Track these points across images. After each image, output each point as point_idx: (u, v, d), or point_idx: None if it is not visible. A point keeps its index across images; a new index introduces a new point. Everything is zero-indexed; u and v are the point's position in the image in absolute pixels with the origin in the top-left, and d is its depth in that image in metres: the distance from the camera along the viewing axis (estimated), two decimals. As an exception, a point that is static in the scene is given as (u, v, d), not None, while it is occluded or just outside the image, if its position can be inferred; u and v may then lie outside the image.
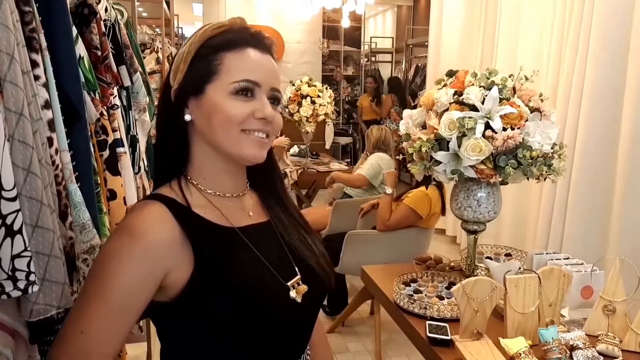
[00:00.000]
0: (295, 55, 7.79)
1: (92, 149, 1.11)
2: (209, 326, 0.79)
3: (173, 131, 0.84)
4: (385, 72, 8.95)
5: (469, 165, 1.63)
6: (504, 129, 1.59)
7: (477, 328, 1.48)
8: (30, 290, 0.70)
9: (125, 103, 1.91)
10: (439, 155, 1.65)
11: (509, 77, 1.68)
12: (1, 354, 0.72)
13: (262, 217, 0.92)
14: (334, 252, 2.98)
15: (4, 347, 0.73)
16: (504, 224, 2.90)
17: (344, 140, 7.91)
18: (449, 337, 1.46)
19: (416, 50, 7.96)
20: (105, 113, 1.58)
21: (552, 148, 1.64)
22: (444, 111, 1.67)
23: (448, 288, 1.81)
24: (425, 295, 1.75)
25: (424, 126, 1.79)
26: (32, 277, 0.70)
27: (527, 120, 1.62)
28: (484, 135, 1.60)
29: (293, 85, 4.59)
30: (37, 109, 0.77)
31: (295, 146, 5.07)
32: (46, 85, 0.81)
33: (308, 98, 4.48)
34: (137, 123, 2.09)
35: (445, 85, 1.76)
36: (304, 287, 0.85)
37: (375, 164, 3.61)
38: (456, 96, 1.69)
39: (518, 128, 1.60)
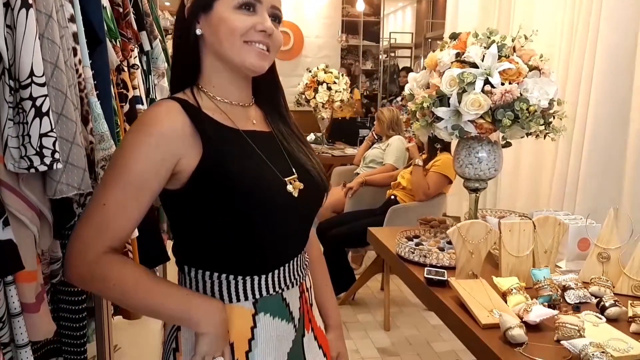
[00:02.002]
0: (314, 49, 7.89)
1: (111, 83, 1.21)
2: (213, 214, 0.88)
3: (186, 45, 0.94)
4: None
5: (469, 121, 1.70)
6: (502, 85, 1.65)
7: (472, 270, 1.54)
8: (55, 167, 0.80)
9: (145, 68, 2.03)
10: (440, 111, 1.73)
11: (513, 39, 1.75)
12: (28, 228, 0.83)
13: (265, 128, 1.01)
14: (356, 229, 3.00)
15: (30, 222, 0.83)
16: (519, 190, 2.96)
17: (361, 132, 7.99)
18: (445, 278, 1.53)
19: (435, 44, 8.01)
20: (125, 69, 1.69)
21: (550, 104, 1.70)
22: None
23: (449, 243, 1.88)
24: (426, 247, 1.83)
25: (427, 88, 1.87)
26: (56, 156, 0.80)
27: (525, 77, 1.68)
28: (483, 91, 1.67)
29: (310, 72, 4.69)
30: (64, 18, 0.88)
31: (312, 134, 5.17)
32: (72, 2, 0.92)
33: (324, 84, 4.58)
34: (156, 88, 2.20)
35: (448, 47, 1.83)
36: (299, 184, 0.94)
37: (400, 147, 3.66)
38: (458, 57, 1.76)
39: (517, 84, 1.66)
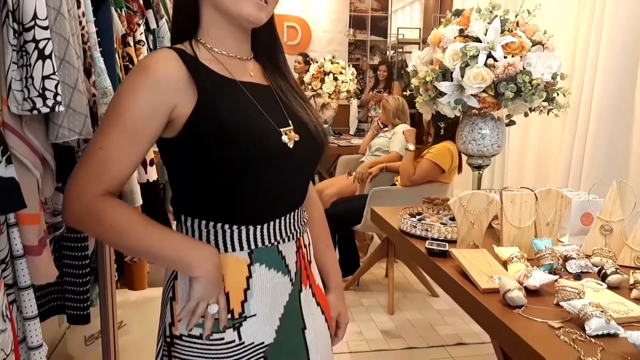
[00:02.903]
0: (322, 43, 7.91)
1: (115, 45, 1.23)
2: (208, 162, 0.89)
3: None
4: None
5: (472, 95, 1.70)
6: (505, 58, 1.66)
7: (473, 240, 1.55)
8: (57, 109, 0.81)
9: (151, 46, 2.05)
10: (443, 86, 1.73)
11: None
12: (31, 171, 0.84)
13: (263, 81, 1.01)
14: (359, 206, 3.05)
15: (33, 166, 0.85)
16: (526, 172, 2.96)
17: (368, 127, 7.98)
18: (446, 249, 1.54)
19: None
20: (131, 44, 1.71)
21: (553, 78, 1.70)
22: (450, 46, 1.75)
23: (452, 219, 1.88)
24: (428, 222, 1.83)
25: (431, 64, 1.87)
26: (58, 98, 0.82)
27: (529, 51, 1.68)
28: (486, 65, 1.67)
29: (316, 62, 4.70)
30: (67, -32, 0.90)
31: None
32: (75, -45, 0.94)
33: (331, 75, 4.59)
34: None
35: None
36: (295, 135, 0.94)
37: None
38: (461, 33, 1.77)
39: (520, 58, 1.67)
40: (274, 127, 0.93)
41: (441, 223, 1.80)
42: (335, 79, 4.55)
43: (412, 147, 3.00)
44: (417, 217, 1.92)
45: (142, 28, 1.84)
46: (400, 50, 9.22)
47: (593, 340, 1.04)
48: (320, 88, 4.56)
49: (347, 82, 4.58)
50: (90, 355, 2.12)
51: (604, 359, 0.96)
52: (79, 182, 0.83)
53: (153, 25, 2.04)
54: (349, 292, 3.21)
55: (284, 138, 0.93)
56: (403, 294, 3.19)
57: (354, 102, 5.55)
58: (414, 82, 1.84)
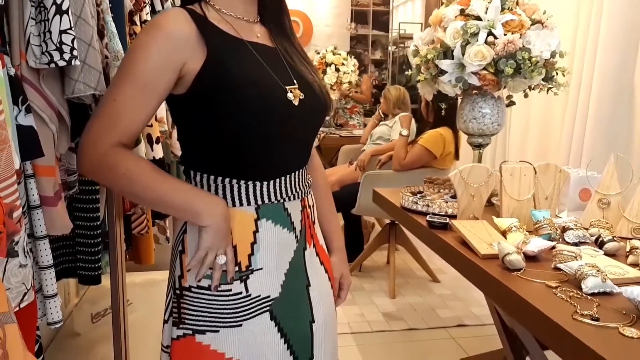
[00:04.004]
0: (323, 38, 7.93)
1: (125, 12, 1.26)
2: (215, 118, 0.92)
3: None
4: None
5: (472, 73, 1.73)
6: (505, 36, 1.69)
7: (473, 213, 1.58)
8: (73, 63, 0.85)
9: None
10: (444, 64, 1.76)
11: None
12: (47, 125, 0.88)
13: (269, 43, 1.05)
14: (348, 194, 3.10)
15: (49, 120, 0.88)
16: (527, 152, 2.99)
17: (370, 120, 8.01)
18: (446, 221, 1.57)
19: (444, 34, 7.99)
20: (138, 23, 1.75)
21: (552, 55, 1.73)
22: (451, 25, 1.77)
23: (453, 197, 1.91)
24: (429, 197, 1.86)
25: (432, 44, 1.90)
26: (75, 52, 0.85)
27: (528, 29, 1.71)
28: (486, 43, 1.70)
29: (318, 53, 4.73)
30: None
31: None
32: None
33: (332, 66, 4.62)
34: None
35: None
36: (300, 93, 0.98)
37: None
38: (462, 13, 1.80)
39: (520, 35, 1.70)
40: (279, 85, 0.96)
41: (443, 200, 1.83)
42: (337, 70, 4.58)
43: (405, 132, 3.04)
44: (419, 194, 1.95)
45: (148, 8, 1.87)
46: (402, 45, 9.25)
47: (589, 297, 1.07)
48: (322, 79, 4.59)
49: (348, 73, 4.61)
50: (96, 332, 2.16)
51: (600, 313, 0.99)
52: (94, 133, 0.86)
53: (158, 7, 2.07)
54: (351, 277, 3.24)
55: (289, 95, 0.96)
56: (404, 280, 3.23)
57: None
58: (415, 61, 1.87)
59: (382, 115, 3.97)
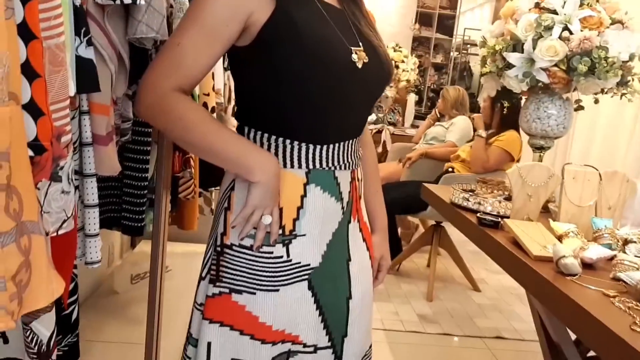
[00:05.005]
0: (386, 37, 7.77)
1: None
2: (276, 72, 0.90)
3: None
4: (476, 66, 8.79)
5: (542, 69, 1.65)
6: (582, 32, 1.59)
7: (528, 214, 1.50)
8: (138, 2, 0.84)
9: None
10: (513, 57, 1.68)
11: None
12: (107, 64, 0.88)
13: (337, 5, 1.02)
14: (408, 195, 2.98)
15: (109, 59, 0.88)
16: (591, 158, 2.84)
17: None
18: (498, 220, 1.49)
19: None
20: None
21: (630, 58, 1.62)
22: (523, 18, 1.69)
23: (507, 199, 1.82)
24: (482, 196, 1.78)
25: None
26: (140, -11, 0.85)
27: (607, 28, 1.61)
28: (560, 38, 1.61)
29: (379, 49, 4.67)
30: None
31: (373, 114, 5.15)
32: None
33: (392, 62, 4.55)
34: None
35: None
36: (364, 55, 0.94)
37: (465, 127, 3.58)
38: (537, 6, 1.71)
39: (597, 33, 1.60)
40: (345, 45, 0.93)
41: (495, 199, 1.75)
42: (397, 67, 4.51)
43: (483, 133, 2.95)
44: (470, 192, 1.88)
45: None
46: (465, 51, 9.04)
47: (651, 310, 0.99)
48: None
49: (407, 71, 4.53)
50: (134, 292, 2.21)
51: (662, 328, 0.91)
52: (154, 75, 0.86)
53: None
54: (389, 276, 3.18)
55: (354, 57, 0.93)
56: (444, 284, 3.14)
57: (412, 96, 5.48)
58: (482, 52, 1.80)
59: (438, 115, 3.88)
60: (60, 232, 0.71)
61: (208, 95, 1.69)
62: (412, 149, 3.86)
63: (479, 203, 1.68)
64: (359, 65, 0.94)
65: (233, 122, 1.64)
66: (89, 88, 0.79)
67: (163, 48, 0.87)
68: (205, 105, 1.66)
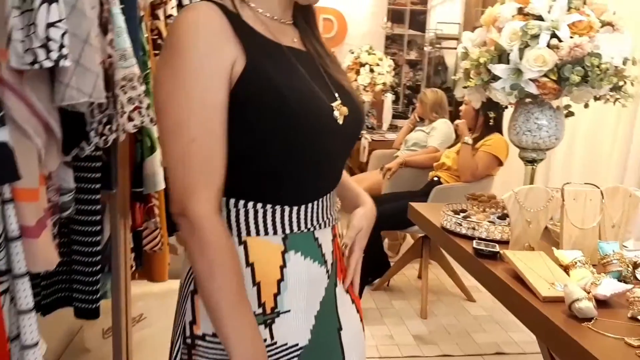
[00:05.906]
0: (358, 37, 7.71)
1: (138, 9, 1.11)
2: (250, 131, 0.77)
3: None
4: (450, 60, 8.71)
5: (530, 79, 1.53)
6: (571, 38, 1.48)
7: (528, 242, 1.39)
8: (61, 63, 0.69)
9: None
10: (498, 69, 1.56)
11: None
12: (31, 139, 0.72)
13: (302, 47, 0.90)
14: (394, 210, 2.83)
15: (34, 133, 0.72)
16: (574, 167, 2.75)
17: (402, 123, 7.77)
18: (496, 250, 1.38)
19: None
20: (161, 18, 1.61)
21: (623, 63, 1.51)
22: (506, 26, 1.57)
23: (500, 218, 1.71)
24: (475, 219, 1.66)
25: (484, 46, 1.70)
26: (64, 51, 0.69)
27: (597, 32, 1.50)
28: (548, 47, 1.49)
29: (352, 53, 4.55)
30: None
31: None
32: None
33: (367, 66, 4.43)
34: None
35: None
36: (345, 109, 0.84)
37: (446, 131, 3.46)
38: (521, 12, 1.59)
39: (588, 38, 1.49)
40: (325, 103, 0.82)
41: (489, 221, 1.63)
42: (372, 70, 4.39)
43: (469, 140, 2.82)
44: (462, 213, 1.76)
45: (174, 2, 1.73)
46: (438, 45, 8.95)
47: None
48: (355, 80, 4.41)
49: (383, 74, 4.41)
50: (108, 348, 2.02)
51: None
52: (189, 191, 0.73)
53: (186, 2, 1.93)
54: (379, 292, 3.05)
55: (336, 113, 0.83)
56: (437, 297, 3.02)
57: (389, 97, 5.37)
58: (465, 64, 1.67)
59: (417, 120, 3.76)
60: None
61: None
62: (394, 155, 3.73)
63: (473, 228, 1.56)
64: (340, 121, 0.84)
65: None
66: (6, 178, 0.64)
67: (175, 155, 0.73)
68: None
